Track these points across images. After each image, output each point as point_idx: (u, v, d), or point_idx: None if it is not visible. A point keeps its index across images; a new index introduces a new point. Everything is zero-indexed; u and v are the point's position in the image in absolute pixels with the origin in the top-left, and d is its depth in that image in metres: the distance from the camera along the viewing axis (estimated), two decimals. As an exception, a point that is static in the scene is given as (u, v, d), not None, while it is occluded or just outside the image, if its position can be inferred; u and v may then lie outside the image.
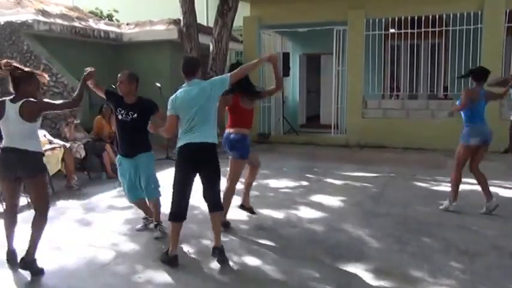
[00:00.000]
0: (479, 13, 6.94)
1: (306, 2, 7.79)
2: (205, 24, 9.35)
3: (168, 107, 2.75)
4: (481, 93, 3.81)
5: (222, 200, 2.95)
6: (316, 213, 3.86)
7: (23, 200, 4.27)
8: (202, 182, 2.81)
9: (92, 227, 3.60)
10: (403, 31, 7.34)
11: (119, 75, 3.17)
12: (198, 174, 2.79)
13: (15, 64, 2.72)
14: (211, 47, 7.64)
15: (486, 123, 3.81)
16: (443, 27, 7.19)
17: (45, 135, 4.94)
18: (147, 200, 3.31)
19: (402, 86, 7.90)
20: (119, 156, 3.30)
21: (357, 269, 2.71)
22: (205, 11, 10.24)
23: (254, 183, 3.81)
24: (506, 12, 6.79)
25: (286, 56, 8.96)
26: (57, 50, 6.67)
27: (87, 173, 5.35)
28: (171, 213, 2.74)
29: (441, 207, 3.91)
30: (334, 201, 4.25)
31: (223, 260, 2.75)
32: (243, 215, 3.66)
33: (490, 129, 3.81)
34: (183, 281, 2.62)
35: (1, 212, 2.86)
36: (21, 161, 2.62)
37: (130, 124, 3.13)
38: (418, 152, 6.92)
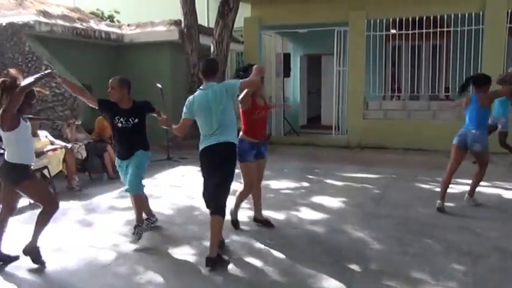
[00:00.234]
0: (481, 14, 6.93)
1: (306, 3, 7.79)
2: (206, 25, 9.36)
3: (184, 109, 2.84)
4: (472, 98, 3.87)
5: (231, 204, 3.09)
6: (317, 215, 3.85)
7: (25, 201, 4.29)
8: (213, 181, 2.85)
9: (93, 227, 3.60)
10: (404, 32, 7.33)
11: (110, 81, 3.13)
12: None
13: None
14: (212, 48, 7.65)
15: (475, 128, 3.79)
16: (445, 28, 7.18)
17: (46, 136, 4.95)
18: (128, 190, 3.19)
19: (403, 86, 7.89)
20: (117, 159, 3.27)
21: (358, 270, 2.71)
22: (206, 12, 10.25)
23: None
24: (507, 12, 6.77)
25: (287, 57, 8.96)
26: (59, 50, 6.68)
27: (88, 174, 5.36)
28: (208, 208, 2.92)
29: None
30: (335, 202, 4.24)
31: (214, 269, 2.67)
32: (244, 216, 3.65)
33: (476, 136, 3.78)
34: (184, 282, 2.61)
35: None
36: (1, 171, 2.76)
37: (131, 129, 3.11)
38: (420, 153, 6.90)
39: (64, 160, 4.82)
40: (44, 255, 2.84)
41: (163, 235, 3.39)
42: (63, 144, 4.99)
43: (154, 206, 4.20)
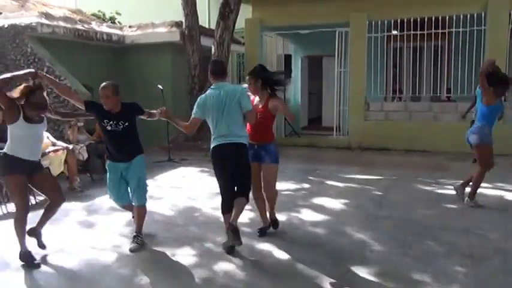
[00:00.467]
0: (483, 14, 6.91)
1: (307, 4, 7.79)
2: (207, 26, 9.38)
3: (195, 109, 2.90)
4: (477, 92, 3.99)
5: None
6: (318, 216, 3.85)
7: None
8: (225, 180, 2.94)
9: (94, 228, 3.61)
10: (405, 33, 7.31)
11: (102, 90, 2.98)
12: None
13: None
14: (213, 49, 7.66)
15: (477, 124, 3.98)
16: (446, 29, 7.16)
17: (48, 137, 4.95)
18: (134, 205, 3.18)
19: (405, 88, 7.88)
20: (109, 162, 3.17)
21: (359, 272, 2.70)
22: (207, 13, 10.28)
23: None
24: (510, 13, 6.75)
25: (288, 58, 8.96)
26: (60, 52, 6.70)
27: (89, 175, 5.37)
28: (221, 207, 2.99)
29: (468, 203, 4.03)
30: (336, 204, 4.23)
31: (234, 238, 2.78)
32: (245, 218, 3.65)
33: (472, 131, 3.98)
34: (185, 283, 2.61)
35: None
36: None
37: (121, 133, 3.04)
38: (421, 154, 6.88)
39: (65, 161, 4.83)
40: (45, 256, 2.86)
41: (164, 236, 3.39)
42: (65, 145, 5.00)
43: (156, 207, 4.21)
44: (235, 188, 2.93)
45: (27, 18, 6.57)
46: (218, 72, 2.96)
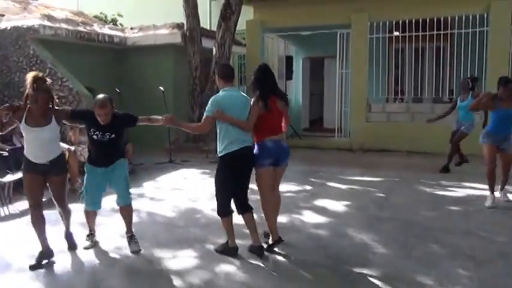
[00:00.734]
0: (485, 15, 6.89)
1: (309, 6, 7.79)
2: (208, 28, 9.40)
3: (209, 108, 2.86)
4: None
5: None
6: (319, 218, 3.83)
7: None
8: (237, 184, 2.94)
9: (96, 230, 3.60)
10: (407, 34, 7.30)
11: (98, 105, 2.88)
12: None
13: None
14: (214, 51, 7.67)
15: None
16: (449, 30, 7.13)
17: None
18: (120, 206, 3.14)
19: (407, 89, 7.85)
20: (88, 165, 3.11)
21: (361, 275, 2.68)
22: (208, 14, 10.30)
23: (256, 187, 3.75)
24: (512, 14, 6.73)
25: (289, 60, 8.95)
26: (62, 54, 6.73)
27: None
28: (218, 211, 2.98)
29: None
30: (338, 205, 4.21)
31: (260, 254, 2.91)
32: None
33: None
34: (186, 285, 2.60)
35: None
36: None
37: (107, 143, 2.99)
38: (423, 156, 6.85)
39: (67, 162, 4.83)
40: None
41: (165, 238, 3.38)
42: (67, 146, 5.00)
43: (157, 208, 4.20)
44: (240, 197, 2.95)
45: (30, 20, 6.60)
46: (228, 75, 2.98)
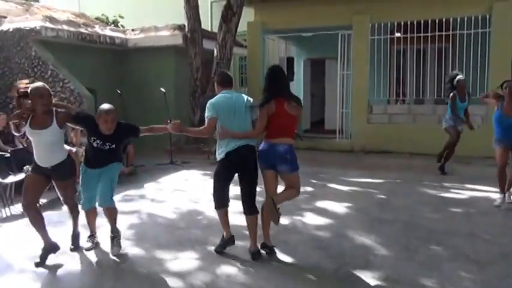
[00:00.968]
0: (487, 17, 6.88)
1: (310, 7, 7.79)
2: (209, 29, 9.42)
3: (209, 110, 2.91)
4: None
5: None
6: (321, 220, 3.82)
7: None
8: (242, 184, 2.96)
9: (97, 230, 3.59)
10: (409, 35, 7.28)
11: (107, 115, 2.86)
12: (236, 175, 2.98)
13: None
14: (215, 52, 7.68)
15: None
16: (450, 31, 7.11)
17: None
18: (99, 206, 3.07)
19: (408, 90, 7.83)
20: (84, 166, 3.09)
21: (363, 276, 2.66)
22: (210, 16, 10.31)
23: (258, 189, 3.74)
24: (514, 15, 6.71)
25: (290, 61, 8.95)
26: (64, 55, 6.75)
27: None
28: (215, 202, 3.02)
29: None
30: (339, 207, 4.20)
31: (256, 258, 2.91)
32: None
33: None
34: (187, 287, 2.60)
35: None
36: None
37: (106, 151, 2.98)
38: (425, 157, 6.82)
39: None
40: (48, 258, 2.85)
41: (166, 239, 3.37)
42: (68, 148, 4.99)
43: (158, 210, 4.20)
44: (246, 198, 2.96)
45: (32, 22, 6.63)
46: (226, 82, 3.02)
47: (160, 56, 7.96)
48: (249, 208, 2.96)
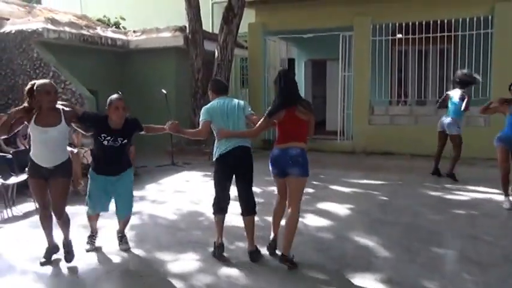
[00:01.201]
0: (490, 18, 6.86)
1: (311, 8, 7.80)
2: (210, 30, 9.43)
3: (203, 115, 2.99)
4: None
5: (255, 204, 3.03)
6: (322, 221, 3.81)
7: (32, 205, 4.31)
8: (237, 185, 2.98)
9: (99, 232, 3.59)
10: (410, 36, 7.27)
11: (117, 101, 2.84)
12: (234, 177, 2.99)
13: None
14: (216, 54, 7.68)
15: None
16: (452, 32, 7.10)
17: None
18: (120, 217, 3.13)
19: (410, 92, 7.82)
20: (93, 173, 3.00)
21: (364, 279, 2.65)
22: (211, 17, 10.33)
23: (259, 190, 3.74)
24: (517, 16, 6.69)
25: (291, 62, 8.95)
26: (66, 57, 6.77)
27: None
28: (214, 206, 3.03)
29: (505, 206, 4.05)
30: (341, 209, 4.18)
31: (254, 258, 2.91)
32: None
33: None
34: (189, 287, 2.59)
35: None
36: None
37: (117, 149, 2.91)
38: (427, 159, 6.79)
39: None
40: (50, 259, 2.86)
41: (167, 240, 3.37)
42: (70, 149, 5.01)
43: (159, 211, 4.19)
44: (242, 199, 2.98)
45: (34, 24, 6.65)
46: (220, 90, 3.09)
47: (162, 57, 7.98)
48: (246, 209, 2.96)
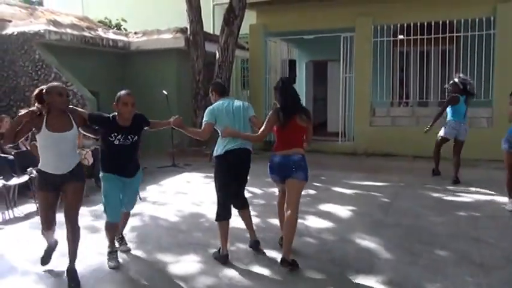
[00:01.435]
0: (492, 18, 6.84)
1: (312, 9, 7.80)
2: (211, 32, 9.44)
3: (206, 116, 3.01)
4: None
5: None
6: (324, 223, 3.79)
7: (33, 207, 4.31)
8: (236, 183, 3.04)
9: (100, 234, 3.57)
10: (412, 37, 7.26)
11: (127, 96, 2.75)
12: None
13: None
14: (217, 55, 7.69)
15: None
16: (454, 33, 7.07)
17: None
18: (125, 211, 3.07)
19: (412, 93, 7.80)
20: (106, 174, 2.84)
21: (366, 281, 2.64)
22: (212, 19, 10.35)
23: (260, 192, 3.76)
24: (519, 17, 6.67)
25: (292, 63, 8.95)
26: (67, 58, 6.79)
27: (94, 180, 5.38)
28: (218, 214, 2.99)
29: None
30: (342, 210, 4.17)
31: (255, 248, 3.08)
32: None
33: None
34: (188, 292, 2.58)
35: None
36: None
37: (129, 148, 2.81)
38: (428, 160, 6.76)
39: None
40: (51, 260, 2.86)
41: (168, 242, 3.37)
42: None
43: (160, 212, 4.19)
44: (238, 195, 3.05)
45: (36, 25, 6.68)
46: (222, 92, 3.17)
47: (163, 58, 7.99)
48: (239, 201, 3.09)
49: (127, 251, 3.14)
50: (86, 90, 6.44)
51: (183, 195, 4.96)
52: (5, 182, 4.15)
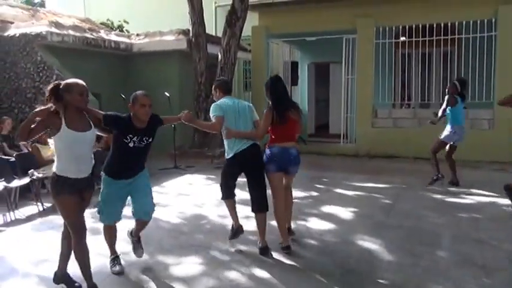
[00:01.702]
0: (493, 20, 6.84)
1: (314, 11, 7.81)
2: (213, 34, 9.46)
3: (215, 111, 3.05)
4: None
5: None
6: (325, 225, 3.78)
7: (34, 208, 4.31)
8: (250, 183, 3.11)
9: (101, 235, 3.58)
10: (414, 39, 7.26)
11: (144, 97, 2.63)
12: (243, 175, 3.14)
13: None
14: (219, 57, 7.70)
15: None
16: (456, 35, 7.08)
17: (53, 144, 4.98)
18: (143, 219, 2.85)
19: (413, 94, 7.79)
20: (109, 179, 2.72)
21: (368, 282, 2.63)
22: (214, 21, 10.37)
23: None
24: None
25: (294, 65, 8.96)
26: (69, 60, 6.81)
27: (96, 182, 5.38)
28: (222, 193, 3.18)
29: None
30: (344, 212, 4.16)
31: (264, 253, 3.04)
32: (251, 226, 3.60)
33: None
34: (190, 294, 2.57)
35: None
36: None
37: (142, 150, 2.68)
38: (430, 162, 6.77)
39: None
40: (52, 262, 2.84)
41: (170, 244, 3.36)
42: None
43: (162, 214, 4.18)
44: (255, 197, 3.08)
45: (38, 27, 6.71)
46: (227, 90, 3.23)
47: (165, 60, 8.01)
48: (258, 206, 3.06)
49: (141, 255, 2.95)
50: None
51: (185, 197, 4.96)
52: (7, 184, 4.16)
